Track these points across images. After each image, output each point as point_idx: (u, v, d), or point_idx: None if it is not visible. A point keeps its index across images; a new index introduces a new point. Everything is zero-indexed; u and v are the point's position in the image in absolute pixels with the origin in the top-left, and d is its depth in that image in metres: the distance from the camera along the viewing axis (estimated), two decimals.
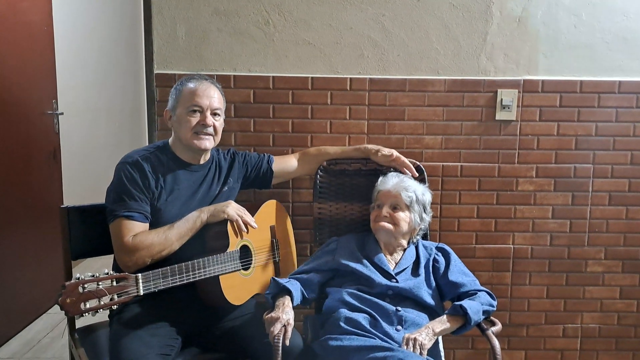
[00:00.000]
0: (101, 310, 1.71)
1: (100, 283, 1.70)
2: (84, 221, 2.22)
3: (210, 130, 2.12)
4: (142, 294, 1.80)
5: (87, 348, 2.10)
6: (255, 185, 2.42)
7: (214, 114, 2.14)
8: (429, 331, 1.93)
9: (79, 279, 1.68)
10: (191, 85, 2.13)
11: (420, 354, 1.84)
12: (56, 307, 3.61)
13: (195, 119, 2.10)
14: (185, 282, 1.92)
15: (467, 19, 2.56)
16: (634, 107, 2.64)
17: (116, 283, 1.74)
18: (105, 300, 1.71)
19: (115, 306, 1.75)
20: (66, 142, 4.05)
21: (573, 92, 2.62)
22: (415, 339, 1.87)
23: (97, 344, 2.10)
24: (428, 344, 1.88)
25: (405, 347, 1.86)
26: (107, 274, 1.73)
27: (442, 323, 1.97)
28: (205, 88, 2.13)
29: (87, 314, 1.68)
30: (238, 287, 2.10)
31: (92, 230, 2.20)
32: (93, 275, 1.70)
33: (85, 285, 1.68)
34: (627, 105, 2.64)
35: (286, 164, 2.45)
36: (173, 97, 2.16)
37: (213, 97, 2.13)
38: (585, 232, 2.73)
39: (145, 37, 2.61)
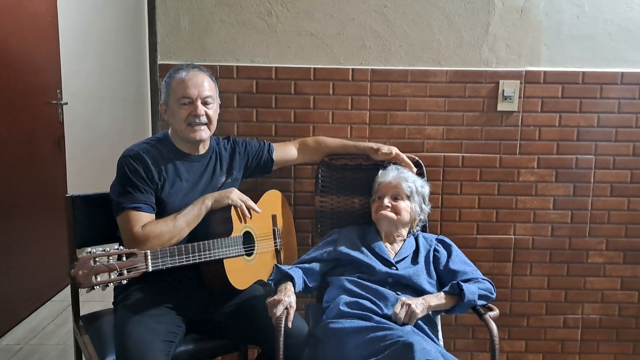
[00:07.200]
0: (111, 284, 1.75)
1: (110, 258, 1.74)
2: (89, 209, 2.24)
3: (204, 119, 2.10)
4: (150, 269, 1.83)
5: (92, 335, 2.12)
6: (257, 174, 2.43)
7: (205, 103, 2.11)
8: (425, 302, 1.98)
9: (90, 252, 1.71)
10: (179, 76, 2.10)
11: (409, 322, 1.92)
12: (60, 295, 3.73)
13: (186, 111, 2.08)
14: (191, 262, 1.95)
15: (469, 10, 2.56)
16: (636, 99, 2.64)
17: (126, 258, 1.78)
18: (116, 275, 1.74)
19: (124, 281, 1.78)
20: (70, 132, 4.08)
21: (575, 83, 2.62)
22: (409, 305, 1.93)
23: (101, 331, 2.12)
24: (420, 314, 1.94)
25: (397, 309, 1.93)
26: (118, 249, 1.77)
27: (438, 298, 2.03)
28: (193, 77, 2.10)
29: (97, 287, 1.71)
30: (241, 272, 2.13)
31: (97, 218, 2.22)
32: (104, 250, 1.74)
33: (97, 259, 1.71)
34: (629, 96, 2.64)
35: (286, 152, 2.45)
36: (164, 90, 2.15)
37: (202, 85, 2.10)
38: (586, 223, 2.73)
39: (149, 27, 2.62)
